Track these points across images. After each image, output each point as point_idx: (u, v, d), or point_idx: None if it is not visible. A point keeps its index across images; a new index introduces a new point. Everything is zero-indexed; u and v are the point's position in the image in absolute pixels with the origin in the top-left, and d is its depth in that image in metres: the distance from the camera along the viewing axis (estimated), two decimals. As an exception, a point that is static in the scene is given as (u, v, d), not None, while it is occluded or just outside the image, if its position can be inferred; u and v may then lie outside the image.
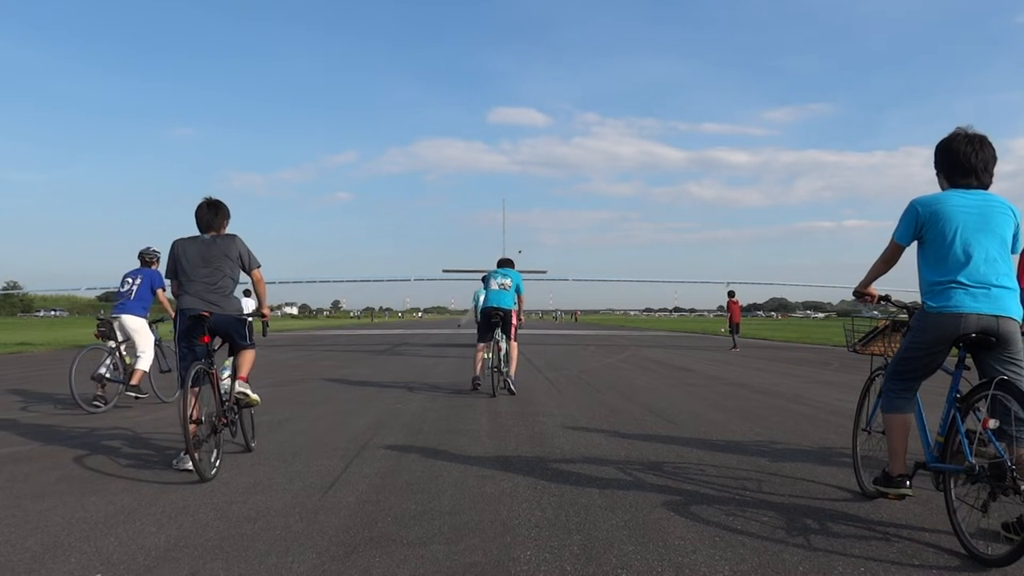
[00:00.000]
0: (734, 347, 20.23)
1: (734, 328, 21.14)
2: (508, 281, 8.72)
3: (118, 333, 7.56)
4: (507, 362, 8.55)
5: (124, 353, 7.57)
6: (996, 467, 2.77)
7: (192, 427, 4.08)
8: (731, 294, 22.06)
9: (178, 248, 4.85)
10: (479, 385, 8.37)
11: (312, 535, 3.14)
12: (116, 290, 7.88)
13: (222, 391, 4.64)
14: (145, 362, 7.49)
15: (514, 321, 8.73)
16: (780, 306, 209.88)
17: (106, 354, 7.48)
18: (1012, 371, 3.07)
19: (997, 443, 2.85)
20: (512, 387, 8.41)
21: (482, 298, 9.47)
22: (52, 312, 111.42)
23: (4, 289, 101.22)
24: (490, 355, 8.47)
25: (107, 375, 7.29)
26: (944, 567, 2.79)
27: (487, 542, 3.06)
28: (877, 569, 2.73)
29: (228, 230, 5.08)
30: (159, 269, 7.68)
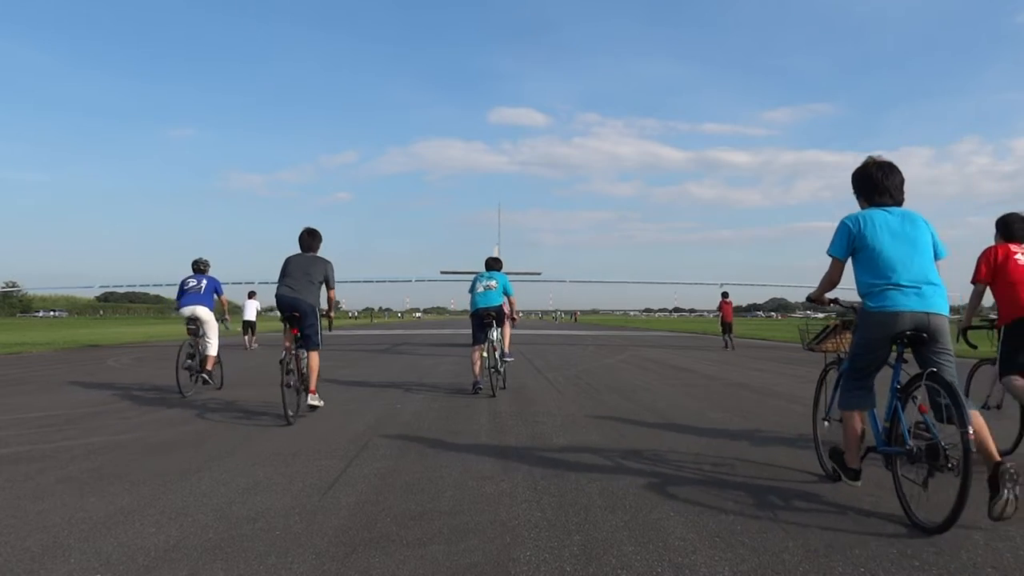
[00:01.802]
0: (726, 347, 20.57)
1: (726, 328, 21.67)
2: (494, 283, 8.87)
3: (192, 323, 8.75)
4: (502, 354, 8.76)
5: (206, 339, 8.79)
6: (931, 448, 3.19)
7: (286, 386, 6.27)
8: (724, 295, 22.71)
9: (289, 259, 7.06)
10: (480, 388, 8.41)
11: (312, 536, 3.14)
12: (181, 290, 9.08)
13: (303, 366, 6.78)
14: (214, 349, 8.78)
15: (507, 313, 9.12)
16: (780, 306, 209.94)
17: (190, 344, 8.63)
18: (943, 361, 3.47)
19: (933, 427, 3.24)
20: (507, 362, 8.98)
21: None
22: (51, 312, 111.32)
23: (3, 289, 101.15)
24: (487, 355, 8.56)
25: (190, 363, 8.50)
26: (894, 535, 3.19)
27: (487, 543, 3.06)
28: (872, 565, 2.74)
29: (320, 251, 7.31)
30: (215, 276, 9.28)
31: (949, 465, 3.09)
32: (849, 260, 3.78)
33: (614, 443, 5.40)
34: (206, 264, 9.28)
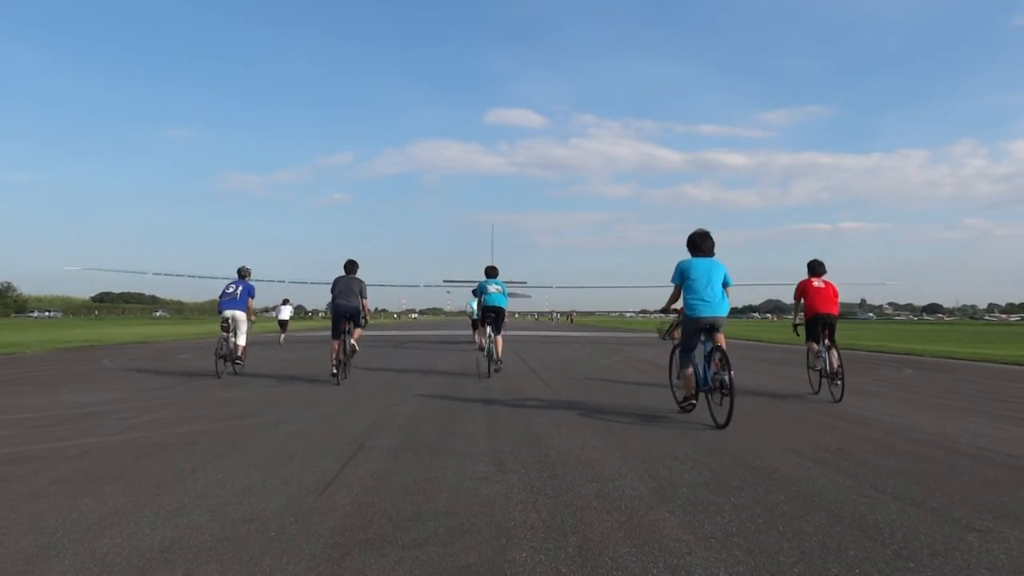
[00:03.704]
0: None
1: None
2: (499, 287, 12.02)
3: (231, 323, 11.25)
4: (497, 354, 11.50)
5: (237, 334, 11.34)
6: (720, 384, 6.25)
7: (335, 362, 9.83)
8: None
9: (338, 279, 10.53)
10: (483, 350, 12.19)
11: (307, 537, 3.13)
12: (223, 294, 11.59)
13: (348, 346, 10.22)
14: (243, 340, 11.45)
15: (505, 320, 12.03)
16: (776, 308, 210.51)
17: (224, 340, 11.08)
18: (721, 342, 6.54)
19: (724, 375, 6.19)
20: (499, 367, 11.66)
21: (474, 304, 15.06)
22: (46, 313, 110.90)
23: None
24: (485, 340, 11.51)
25: (225, 353, 11.01)
26: (706, 427, 6.48)
27: (482, 544, 3.05)
28: (867, 567, 2.75)
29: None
30: (251, 281, 11.89)
31: (725, 392, 6.18)
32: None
33: (610, 445, 5.40)
34: (248, 272, 11.92)
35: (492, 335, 11.35)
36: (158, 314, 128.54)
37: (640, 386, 10.00)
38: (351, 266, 10.79)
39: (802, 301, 9.01)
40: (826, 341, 8.59)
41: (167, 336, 29.28)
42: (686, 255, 6.96)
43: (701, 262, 6.76)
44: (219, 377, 10.58)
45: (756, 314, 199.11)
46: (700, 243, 6.86)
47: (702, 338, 6.68)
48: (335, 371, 9.81)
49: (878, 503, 3.73)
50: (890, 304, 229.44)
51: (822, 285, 8.95)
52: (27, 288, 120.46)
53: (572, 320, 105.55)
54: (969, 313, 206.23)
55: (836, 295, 8.97)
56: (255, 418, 6.64)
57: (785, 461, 4.82)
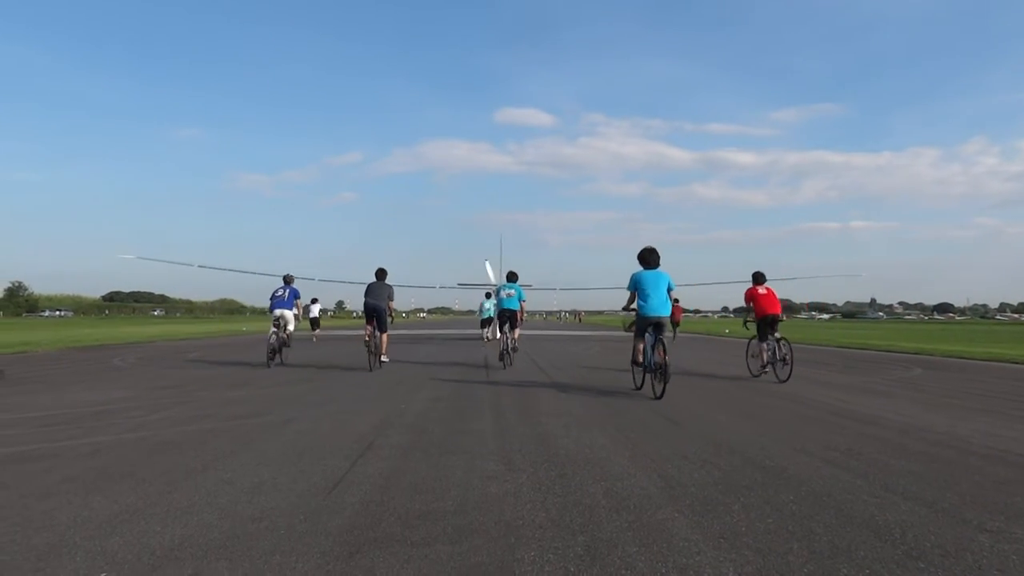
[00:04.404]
0: (673, 336, 25.62)
1: (676, 324, 27.24)
2: (512, 292, 13.67)
3: (281, 321, 13.61)
4: (514, 344, 13.52)
5: (283, 330, 13.69)
6: (659, 366, 8.28)
7: (368, 350, 12.30)
8: (675, 300, 26.07)
9: (371, 284, 12.65)
10: (496, 343, 15.89)
11: (316, 535, 3.15)
12: (272, 296, 13.92)
13: (378, 342, 12.46)
14: (291, 328, 13.85)
15: (520, 317, 13.73)
16: (785, 307, 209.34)
17: (275, 335, 13.40)
18: (664, 335, 8.58)
19: (661, 359, 8.27)
20: (512, 355, 13.37)
21: (489, 304, 20.90)
22: (57, 312, 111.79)
23: (9, 289, 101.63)
24: (502, 336, 13.37)
25: (276, 346, 13.30)
26: (647, 398, 8.63)
27: (491, 543, 3.06)
28: (877, 567, 2.74)
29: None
30: (296, 287, 14.11)
31: (662, 372, 8.14)
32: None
33: (618, 444, 5.39)
34: (291, 278, 14.24)
35: (508, 331, 13.32)
36: (156, 313, 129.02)
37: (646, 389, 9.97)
38: (381, 274, 12.94)
39: (749, 305, 11.37)
40: (776, 334, 10.98)
41: (177, 335, 29.46)
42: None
43: (649, 274, 8.74)
44: (269, 367, 12.63)
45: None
46: (648, 258, 8.85)
47: (650, 330, 8.64)
48: (369, 351, 12.43)
49: (888, 503, 3.71)
50: (900, 303, 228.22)
51: (765, 291, 11.20)
52: (38, 287, 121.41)
53: (580, 319, 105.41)
54: (980, 312, 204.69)
55: (776, 298, 11.29)
56: (264, 417, 6.67)
57: (795, 461, 4.80)
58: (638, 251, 8.94)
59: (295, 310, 13.89)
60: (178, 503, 3.66)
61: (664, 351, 8.22)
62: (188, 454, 4.91)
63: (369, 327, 12.45)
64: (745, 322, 11.77)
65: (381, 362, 12.58)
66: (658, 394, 8.12)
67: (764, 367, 10.96)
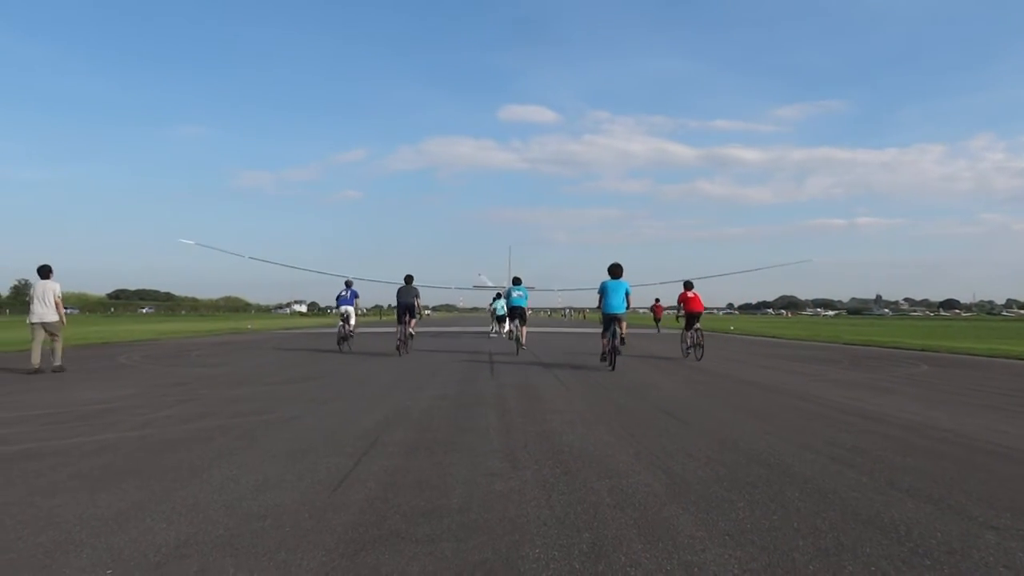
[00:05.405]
0: (658, 331, 31.28)
1: (658, 320, 33.34)
2: (520, 293, 16.61)
3: (344, 315, 17.33)
4: (522, 337, 16.24)
5: (348, 323, 17.44)
6: (613, 349, 12.05)
7: (399, 341, 15.53)
8: (657, 300, 33.70)
9: (401, 288, 15.97)
10: (511, 336, 18.58)
11: (321, 532, 3.15)
12: (338, 296, 17.66)
13: (409, 330, 15.84)
14: (354, 322, 17.51)
15: (528, 313, 16.68)
16: (790, 304, 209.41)
17: (342, 327, 17.41)
18: (618, 328, 12.06)
19: (618, 345, 12.11)
20: (523, 347, 16.22)
21: (501, 303, 24.52)
22: (64, 310, 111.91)
23: (15, 287, 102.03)
24: (513, 330, 16.78)
25: (344, 335, 17.28)
26: (605, 371, 12.22)
27: (496, 540, 3.06)
28: (883, 564, 2.73)
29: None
30: (355, 288, 17.72)
31: (617, 354, 12.10)
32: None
33: (623, 441, 5.39)
34: (351, 282, 17.74)
35: (519, 326, 16.26)
36: (144, 311, 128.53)
37: (648, 386, 9.97)
38: (408, 279, 16.05)
39: (679, 305, 15.39)
40: (697, 326, 14.66)
41: (184, 333, 29.53)
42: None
43: (612, 283, 12.19)
44: (340, 352, 16.24)
45: (770, 310, 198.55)
46: (613, 271, 12.25)
47: (612, 325, 12.01)
48: (399, 347, 15.29)
49: (894, 500, 3.70)
50: (906, 300, 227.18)
51: (692, 295, 15.09)
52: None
53: (585, 316, 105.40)
54: (987, 308, 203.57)
55: (700, 300, 15.11)
56: (269, 414, 6.69)
57: (800, 458, 4.79)
58: (608, 264, 12.42)
59: (357, 310, 17.62)
60: (184, 500, 3.67)
61: (619, 339, 11.99)
62: (194, 451, 4.93)
63: (400, 326, 15.55)
64: (677, 317, 16.23)
65: (411, 333, 15.76)
66: (612, 369, 11.79)
67: (689, 349, 14.71)
